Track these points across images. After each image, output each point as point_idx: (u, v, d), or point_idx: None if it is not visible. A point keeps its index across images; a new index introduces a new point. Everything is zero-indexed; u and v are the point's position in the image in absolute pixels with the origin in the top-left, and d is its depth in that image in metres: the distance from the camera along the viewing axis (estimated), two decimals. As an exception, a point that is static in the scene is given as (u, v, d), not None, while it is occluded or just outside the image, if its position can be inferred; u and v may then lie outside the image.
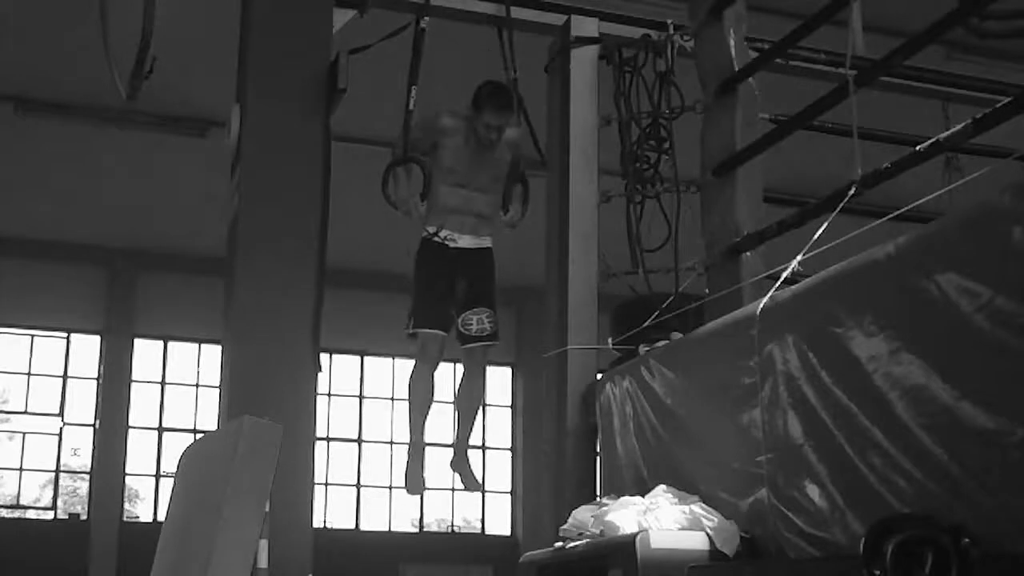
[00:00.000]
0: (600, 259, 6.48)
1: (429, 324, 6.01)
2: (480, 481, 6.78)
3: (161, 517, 8.14)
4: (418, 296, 6.08)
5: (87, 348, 17.15)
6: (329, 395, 17.77)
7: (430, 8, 6.30)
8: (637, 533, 4.40)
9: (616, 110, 6.60)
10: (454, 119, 6.02)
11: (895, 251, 3.72)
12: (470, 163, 6.01)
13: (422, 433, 6.23)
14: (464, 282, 6.08)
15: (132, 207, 15.02)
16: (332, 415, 17.85)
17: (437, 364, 6.12)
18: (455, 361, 6.26)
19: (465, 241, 6.06)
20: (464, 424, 6.38)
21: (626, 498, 4.94)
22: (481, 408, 6.51)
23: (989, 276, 3.31)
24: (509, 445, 18.91)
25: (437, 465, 20.14)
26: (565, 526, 5.15)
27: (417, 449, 6.20)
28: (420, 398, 6.17)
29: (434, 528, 18.74)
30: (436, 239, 6.04)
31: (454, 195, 6.04)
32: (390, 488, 18.17)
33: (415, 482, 6.20)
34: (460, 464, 6.36)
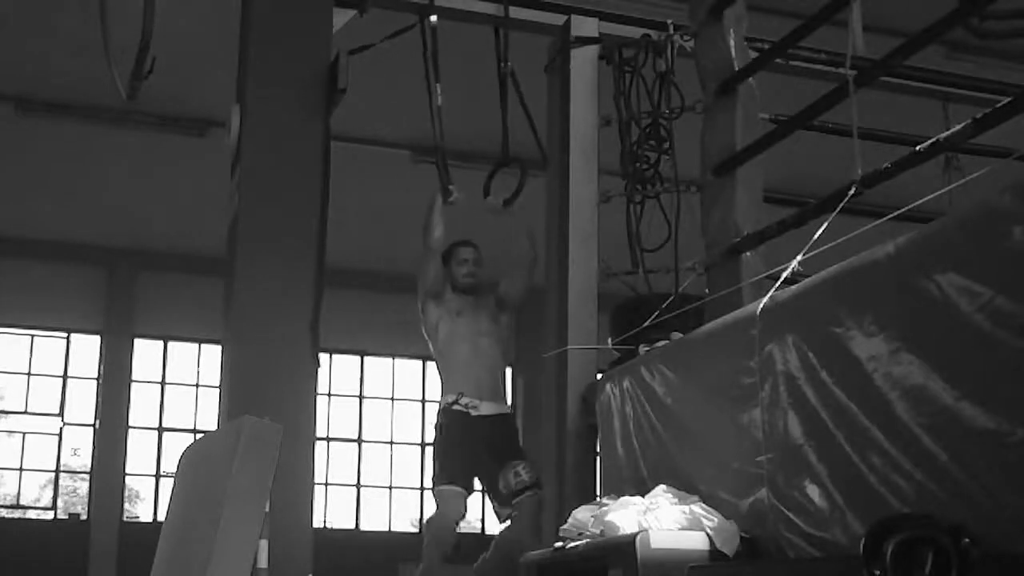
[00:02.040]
0: (600, 259, 6.48)
1: (451, 481, 6.11)
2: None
3: (161, 517, 8.14)
4: (442, 455, 6.19)
5: (87, 348, 17.15)
6: (329, 395, 17.77)
7: (431, 8, 6.30)
8: (637, 533, 4.40)
9: (616, 110, 6.59)
10: (437, 305, 6.35)
11: (895, 251, 3.72)
12: (465, 323, 6.32)
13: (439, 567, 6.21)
14: (490, 447, 6.18)
15: (132, 207, 15.02)
16: (332, 415, 17.85)
17: (459, 520, 6.20)
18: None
19: (486, 408, 6.17)
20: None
21: (626, 498, 4.93)
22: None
23: (989, 276, 3.30)
24: (509, 445, 18.90)
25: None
26: (565, 526, 5.14)
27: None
28: (439, 547, 6.20)
29: (434, 528, 18.73)
30: (457, 407, 6.13)
31: (463, 351, 6.29)
32: (390, 488, 18.17)
33: None
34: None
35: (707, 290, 6.03)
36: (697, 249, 6.27)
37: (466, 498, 6.12)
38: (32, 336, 17.08)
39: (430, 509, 19.57)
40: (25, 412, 16.94)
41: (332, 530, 17.24)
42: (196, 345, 17.44)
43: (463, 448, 6.08)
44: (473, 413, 6.11)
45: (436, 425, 6.21)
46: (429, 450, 19.22)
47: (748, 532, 4.41)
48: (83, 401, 17.03)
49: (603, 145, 6.65)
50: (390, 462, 18.11)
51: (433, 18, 6.23)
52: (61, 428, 16.90)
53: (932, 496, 3.45)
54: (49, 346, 17.09)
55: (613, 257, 6.50)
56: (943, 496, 3.41)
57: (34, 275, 16.36)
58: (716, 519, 4.47)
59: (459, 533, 6.18)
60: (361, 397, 18.31)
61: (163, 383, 17.43)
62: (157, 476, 17.12)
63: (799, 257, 4.65)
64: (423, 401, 18.16)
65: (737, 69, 6.16)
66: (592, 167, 6.62)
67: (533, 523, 6.24)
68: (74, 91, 12.05)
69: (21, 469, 16.89)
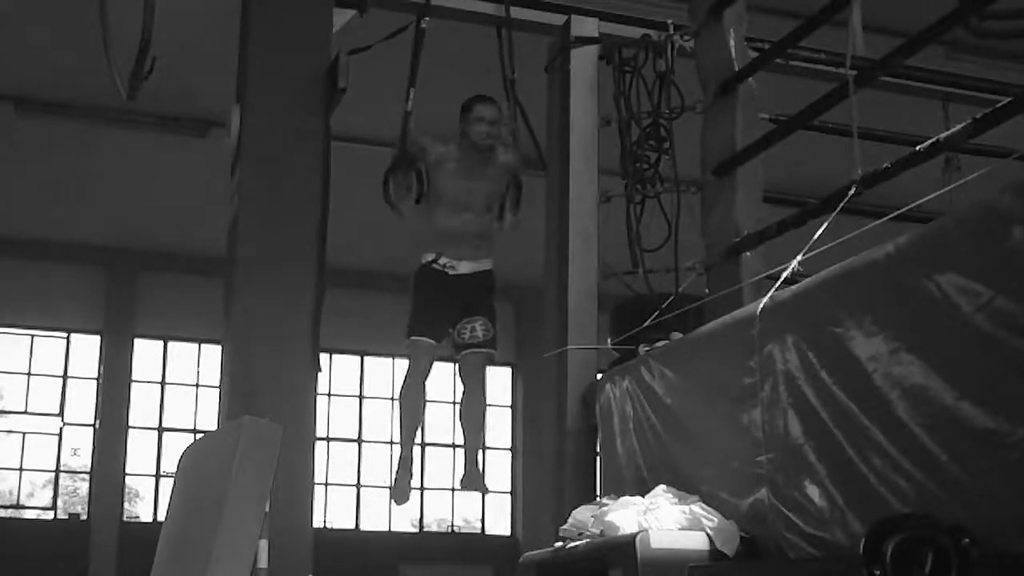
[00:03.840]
0: (600, 259, 6.48)
1: (421, 332, 6.00)
2: (487, 487, 6.76)
3: (161, 517, 8.13)
4: (414, 310, 6.08)
5: (87, 348, 17.13)
6: (329, 395, 17.76)
7: (431, 8, 6.30)
8: (637, 533, 4.40)
9: (616, 110, 6.59)
10: (444, 146, 6.03)
11: (895, 251, 3.72)
12: (465, 188, 6.01)
13: (412, 446, 6.21)
14: (462, 300, 6.08)
15: (132, 207, 15.01)
16: (332, 415, 17.85)
17: (427, 376, 6.09)
18: (454, 360, 6.26)
19: (464, 267, 6.07)
20: (469, 434, 6.34)
21: (626, 498, 4.93)
22: (484, 422, 6.46)
23: (989, 276, 3.31)
24: (509, 445, 18.91)
25: (437, 465, 20.04)
26: (565, 526, 5.15)
27: (406, 461, 6.18)
28: (411, 411, 6.16)
29: (434, 528, 18.73)
30: (435, 266, 6.05)
31: (452, 220, 6.04)
32: (390, 488, 18.17)
33: (402, 492, 6.19)
34: (473, 480, 6.32)
35: (707, 290, 6.03)
36: (697, 249, 6.27)
37: (434, 350, 6.03)
38: (32, 336, 17.07)
39: (430, 509, 19.57)
40: (25, 412, 16.93)
41: (332, 530, 17.24)
42: (196, 345, 17.43)
43: (436, 303, 5.99)
44: (451, 272, 6.04)
45: (412, 281, 6.06)
46: (429, 450, 19.35)
47: (748, 532, 4.41)
48: (83, 401, 17.02)
49: (603, 145, 6.65)
50: (390, 462, 18.08)
51: (424, 21, 6.21)
52: (61, 428, 16.89)
53: (932, 496, 3.45)
54: (49, 346, 17.08)
55: (613, 257, 6.50)
56: (943, 496, 3.41)
57: (34, 275, 16.35)
58: (716, 519, 4.47)
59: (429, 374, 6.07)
60: (361, 397, 18.31)
61: (163, 383, 17.41)
62: (157, 476, 17.11)
63: (799, 257, 4.66)
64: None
65: (737, 69, 6.17)
66: (592, 167, 6.62)
67: (477, 377, 6.17)
68: (74, 91, 12.04)
69: (21, 469, 16.88)
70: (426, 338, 6.01)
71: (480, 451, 6.44)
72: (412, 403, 6.14)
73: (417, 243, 6.19)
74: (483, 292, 6.11)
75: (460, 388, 6.29)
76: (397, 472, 6.21)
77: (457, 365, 6.22)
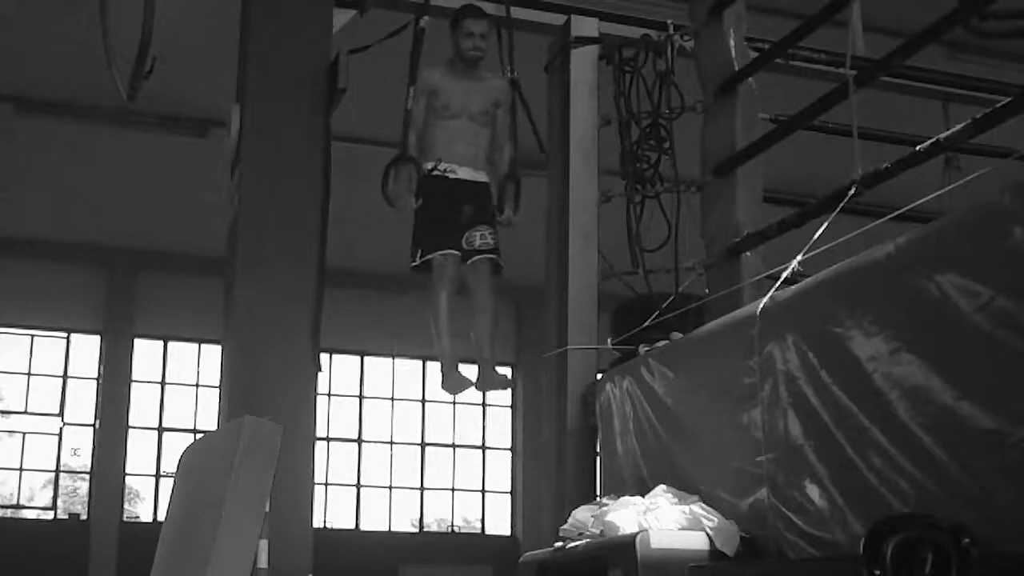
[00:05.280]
0: (600, 259, 6.48)
1: (439, 247, 6.05)
2: (508, 379, 6.73)
3: (161, 517, 8.14)
4: (422, 225, 6.12)
5: (87, 348, 17.14)
6: (329, 395, 17.76)
7: (430, 8, 6.30)
8: (637, 533, 4.40)
9: (616, 110, 6.60)
10: (439, 67, 6.20)
11: (895, 251, 3.72)
12: (459, 93, 6.15)
13: (451, 349, 6.16)
14: (466, 208, 6.13)
15: (132, 207, 15.02)
16: (332, 415, 17.85)
17: (453, 289, 6.13)
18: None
19: (464, 172, 6.17)
20: (483, 340, 6.32)
21: (626, 498, 4.93)
22: (497, 328, 6.42)
23: (989, 276, 3.31)
24: (509, 445, 18.91)
25: (437, 466, 20.07)
26: (565, 526, 5.15)
27: (451, 362, 6.19)
28: (442, 321, 6.13)
29: (434, 528, 18.73)
30: (436, 172, 6.12)
31: (448, 127, 6.16)
32: (390, 488, 18.17)
33: (455, 383, 6.19)
34: (489, 381, 6.35)
35: (707, 290, 6.03)
36: (697, 249, 6.27)
37: (457, 260, 6.09)
38: (32, 336, 17.07)
39: (430, 509, 19.56)
40: (25, 412, 16.93)
41: (332, 530, 17.24)
42: (196, 345, 17.43)
43: (442, 213, 6.06)
44: (451, 176, 6.10)
45: (415, 195, 6.11)
46: (429, 450, 19.36)
47: (748, 532, 4.41)
48: (83, 401, 17.03)
49: (603, 145, 6.65)
50: (390, 462, 18.10)
51: (424, 20, 6.23)
52: (61, 428, 16.89)
53: (932, 496, 3.45)
54: (49, 346, 17.09)
55: (613, 257, 6.50)
56: (943, 496, 3.41)
57: (34, 275, 16.35)
58: (716, 519, 4.47)
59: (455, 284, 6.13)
60: (361, 397, 18.31)
61: (163, 383, 17.42)
62: (157, 476, 17.11)
63: (799, 257, 4.66)
64: (423, 401, 18.16)
65: (737, 69, 6.17)
66: (592, 167, 6.62)
67: (486, 284, 6.23)
68: (74, 91, 12.05)
69: (21, 469, 16.89)
70: (445, 250, 6.03)
71: (493, 350, 6.37)
72: (442, 313, 6.12)
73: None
74: (484, 203, 6.19)
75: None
76: (444, 370, 6.20)
77: (464, 271, 6.22)
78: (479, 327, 6.32)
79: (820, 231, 4.69)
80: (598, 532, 4.79)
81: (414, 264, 6.12)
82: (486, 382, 6.36)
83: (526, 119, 6.45)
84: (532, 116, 6.45)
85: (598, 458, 6.08)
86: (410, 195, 6.04)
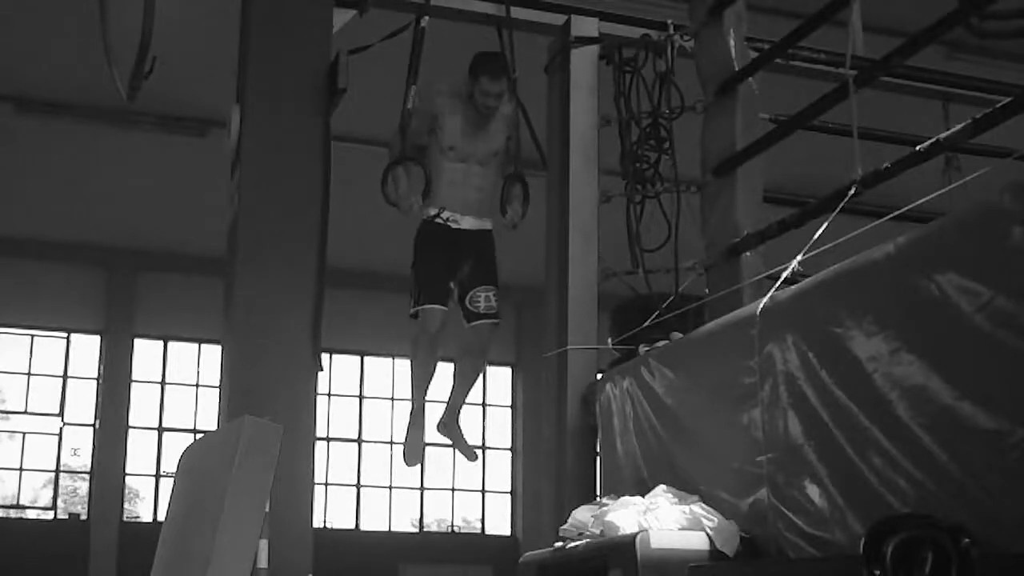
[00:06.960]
0: (600, 259, 6.48)
1: (432, 300, 6.03)
2: (474, 450, 6.77)
3: (161, 517, 8.14)
4: (421, 274, 6.09)
5: (87, 348, 17.15)
6: (329, 395, 17.77)
7: (430, 8, 6.30)
8: (637, 533, 4.40)
9: (616, 110, 6.59)
10: (450, 97, 6.10)
11: (895, 251, 3.72)
12: (468, 137, 6.08)
13: (423, 403, 6.25)
14: (468, 261, 6.13)
15: (132, 207, 15.02)
16: (332, 415, 17.86)
17: (438, 337, 6.12)
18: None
19: (467, 223, 6.12)
20: (460, 388, 6.41)
21: (626, 498, 4.94)
22: (475, 383, 6.52)
23: (989, 276, 3.31)
24: (509, 445, 18.92)
25: (437, 466, 20.08)
26: (565, 526, 5.15)
27: (417, 416, 6.23)
28: (422, 369, 6.19)
29: (434, 528, 18.74)
30: (438, 220, 6.09)
31: (453, 171, 6.09)
32: (390, 488, 18.18)
33: (413, 452, 6.23)
34: (451, 428, 6.40)
35: (707, 290, 6.03)
36: (697, 249, 6.27)
37: (444, 315, 6.07)
38: (32, 336, 17.09)
39: (430, 509, 19.57)
40: (25, 412, 16.94)
41: (332, 530, 17.25)
42: (196, 345, 17.44)
43: (441, 264, 6.04)
44: (453, 226, 6.08)
45: (415, 240, 6.09)
46: (429, 450, 19.23)
47: (748, 532, 4.41)
48: (83, 401, 17.03)
49: (603, 145, 6.65)
50: (390, 462, 18.11)
51: (424, 20, 6.21)
52: (61, 428, 16.90)
53: (932, 496, 3.45)
54: (49, 346, 17.10)
55: (613, 257, 6.50)
56: (943, 496, 3.41)
57: (34, 275, 16.36)
58: (716, 519, 4.47)
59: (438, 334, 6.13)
60: (361, 397, 18.32)
61: (163, 383, 17.43)
62: (157, 476, 17.12)
63: (799, 257, 4.66)
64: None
65: (737, 69, 6.17)
66: (592, 167, 6.62)
67: (484, 345, 6.28)
68: (74, 91, 12.05)
69: (21, 469, 16.89)
70: (436, 305, 6.03)
71: (464, 400, 6.47)
72: (423, 361, 6.16)
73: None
74: (488, 255, 6.18)
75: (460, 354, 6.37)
76: (408, 429, 6.23)
77: (465, 331, 6.24)
78: (461, 377, 6.40)
79: (820, 231, 4.69)
80: (598, 532, 4.79)
81: (411, 312, 6.11)
82: (445, 429, 6.42)
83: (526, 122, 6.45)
84: (531, 124, 6.43)
85: (598, 458, 6.08)
86: (416, 195, 6.03)
